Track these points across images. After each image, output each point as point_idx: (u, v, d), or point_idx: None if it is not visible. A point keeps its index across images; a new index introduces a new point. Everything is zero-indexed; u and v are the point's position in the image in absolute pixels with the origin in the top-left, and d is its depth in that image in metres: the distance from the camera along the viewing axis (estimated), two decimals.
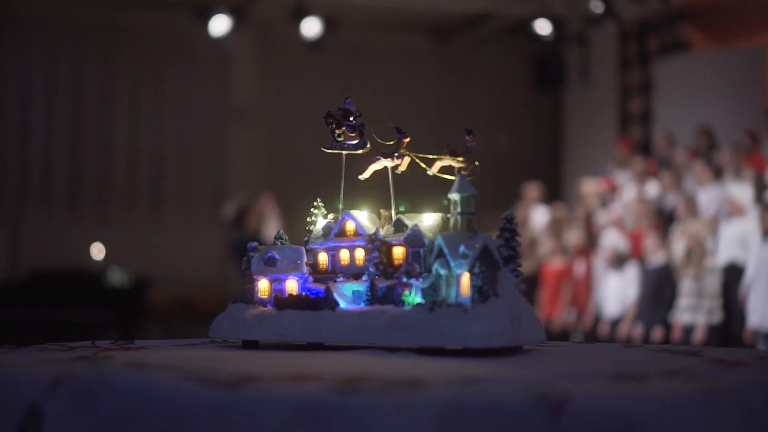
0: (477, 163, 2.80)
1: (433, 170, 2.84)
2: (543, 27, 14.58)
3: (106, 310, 12.94)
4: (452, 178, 2.79)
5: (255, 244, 2.87)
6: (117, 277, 13.42)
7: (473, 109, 16.68)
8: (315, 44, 14.34)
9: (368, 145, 2.88)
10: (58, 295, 12.84)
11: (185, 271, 14.97)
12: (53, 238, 14.97)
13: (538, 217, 12.97)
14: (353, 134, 2.88)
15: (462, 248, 2.58)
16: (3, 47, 15.49)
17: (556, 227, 12.28)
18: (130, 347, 2.69)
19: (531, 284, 12.37)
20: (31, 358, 2.25)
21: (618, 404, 1.67)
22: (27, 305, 12.72)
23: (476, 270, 2.54)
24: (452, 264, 2.58)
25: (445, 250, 2.60)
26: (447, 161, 2.81)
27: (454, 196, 2.68)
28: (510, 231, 2.69)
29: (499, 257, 2.62)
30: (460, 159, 2.80)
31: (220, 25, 13.87)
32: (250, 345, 2.75)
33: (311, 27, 14.12)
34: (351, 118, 2.88)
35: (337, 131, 2.88)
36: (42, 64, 15.69)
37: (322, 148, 2.92)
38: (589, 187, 12.38)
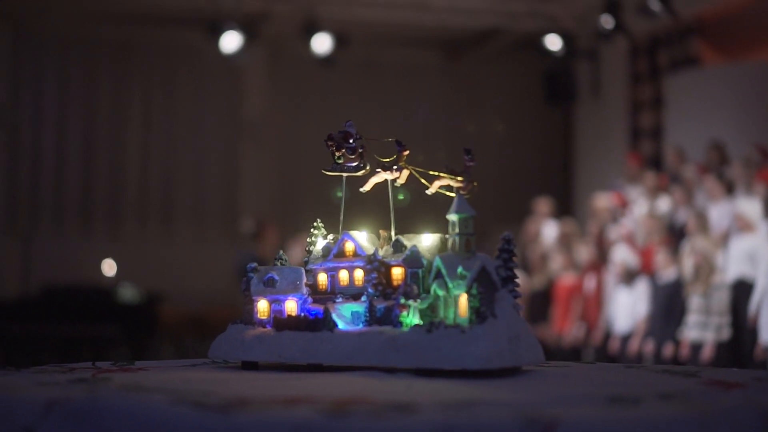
0: (475, 183, 2.81)
1: (431, 189, 2.85)
2: (553, 42, 14.57)
3: (117, 326, 12.96)
4: (452, 195, 2.81)
5: (255, 264, 2.88)
6: (128, 293, 13.45)
7: (484, 124, 16.68)
8: (326, 60, 14.37)
9: (368, 167, 2.90)
10: (70, 311, 12.87)
11: (197, 287, 14.99)
12: (65, 254, 15.02)
13: (549, 232, 12.94)
14: (353, 156, 2.89)
15: (460, 269, 2.58)
16: (16, 63, 15.58)
17: (566, 242, 12.25)
18: (129, 368, 2.70)
19: (542, 299, 12.35)
20: (29, 381, 2.26)
21: (609, 428, 1.66)
22: (39, 321, 12.75)
23: (474, 291, 2.55)
24: (450, 285, 2.59)
25: (444, 270, 2.61)
26: (445, 180, 2.82)
27: (452, 216, 2.69)
28: (508, 252, 2.70)
29: (497, 278, 2.63)
30: (459, 178, 2.81)
31: (231, 41, 13.90)
32: (250, 366, 2.76)
33: (322, 43, 14.15)
34: (351, 141, 2.89)
35: (337, 153, 2.90)
36: (54, 79, 15.77)
37: (323, 171, 2.94)
38: (601, 202, 12.35)
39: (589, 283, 11.56)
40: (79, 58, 15.77)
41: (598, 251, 11.60)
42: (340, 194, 2.87)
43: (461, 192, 2.78)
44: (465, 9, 15.09)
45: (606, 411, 1.79)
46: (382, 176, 2.89)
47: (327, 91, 16.05)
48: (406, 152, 2.88)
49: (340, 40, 14.17)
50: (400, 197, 2.86)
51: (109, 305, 13.24)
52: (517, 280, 2.69)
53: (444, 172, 2.82)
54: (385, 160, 2.88)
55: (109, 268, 13.84)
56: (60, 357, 12.50)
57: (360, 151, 2.90)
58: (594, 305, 11.47)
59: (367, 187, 2.91)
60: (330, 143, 2.92)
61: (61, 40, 15.64)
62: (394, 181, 2.88)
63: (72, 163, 15.77)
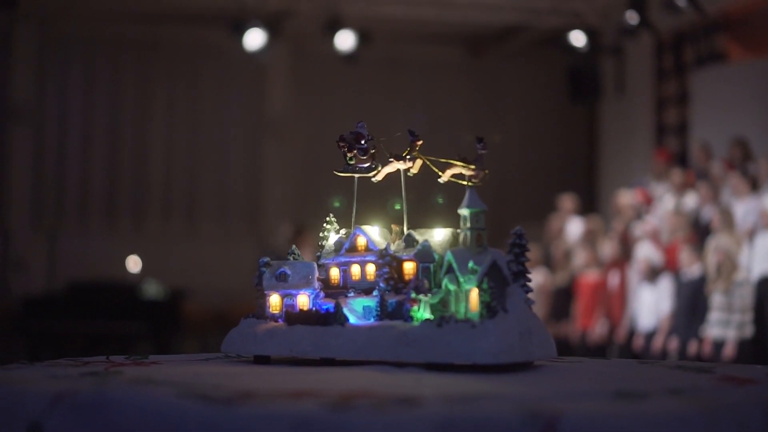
0: (487, 171, 2.80)
1: (444, 177, 2.85)
2: (578, 39, 14.50)
3: (141, 322, 13.02)
4: (464, 183, 2.80)
5: (267, 259, 2.89)
6: (153, 289, 13.51)
7: (508, 121, 16.64)
8: (349, 57, 14.37)
9: (380, 168, 2.90)
10: (95, 307, 12.94)
11: (220, 283, 15.03)
12: (90, 251, 15.11)
13: (573, 228, 12.90)
14: (365, 157, 2.89)
15: (471, 263, 2.58)
16: (41, 61, 15.68)
17: (590, 239, 12.20)
18: (143, 362, 2.72)
19: (565, 296, 12.31)
20: (40, 375, 2.28)
21: (612, 423, 1.66)
22: (64, 317, 12.83)
23: (485, 285, 2.54)
24: (461, 279, 2.59)
25: (455, 265, 2.61)
26: (458, 169, 2.82)
27: (463, 211, 2.69)
28: (520, 246, 2.69)
29: (509, 273, 2.62)
30: (471, 167, 2.80)
31: (254, 38, 13.93)
32: (262, 360, 2.77)
33: (345, 40, 14.15)
34: (362, 142, 2.89)
35: (349, 155, 2.90)
36: (79, 77, 15.86)
37: (335, 172, 2.94)
38: (625, 199, 12.29)
39: (613, 279, 11.52)
40: (103, 56, 15.86)
41: (622, 248, 11.55)
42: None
43: (473, 180, 2.78)
44: (488, 5, 15.05)
45: (611, 406, 1.78)
46: (394, 166, 2.89)
47: (350, 89, 16.06)
48: (420, 142, 2.87)
49: (363, 37, 14.17)
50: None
51: (134, 301, 13.30)
52: (528, 275, 2.68)
53: (456, 161, 2.81)
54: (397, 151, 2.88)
55: (133, 264, 13.91)
56: (84, 353, 12.56)
57: (372, 151, 2.90)
58: (618, 302, 11.43)
59: (379, 177, 2.92)
60: (342, 144, 2.92)
61: (85, 38, 15.73)
62: (406, 171, 2.88)
63: (97, 160, 15.86)
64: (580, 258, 12.11)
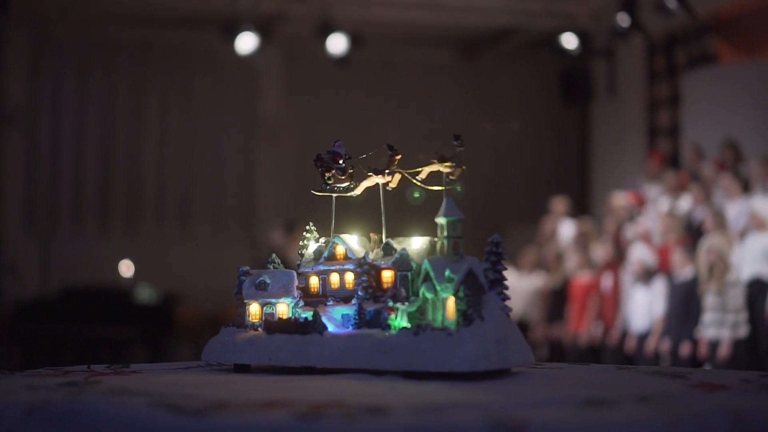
0: (464, 168, 2.81)
1: (422, 175, 2.86)
2: (569, 41, 14.53)
3: (135, 326, 13.03)
4: (440, 188, 2.82)
5: (247, 268, 2.91)
6: (146, 293, 13.52)
7: (500, 123, 16.67)
8: (341, 60, 14.40)
9: (359, 188, 2.92)
10: (88, 312, 12.95)
11: (214, 287, 15.00)
12: (83, 255, 15.11)
13: (566, 230, 12.93)
14: (343, 177, 2.92)
15: (448, 272, 2.60)
16: (35, 64, 15.69)
17: (583, 241, 12.23)
18: (123, 371, 2.73)
19: (558, 298, 12.34)
20: (18, 384, 2.30)
21: (577, 431, 1.68)
22: (57, 322, 12.83)
23: (461, 294, 2.56)
24: (438, 288, 2.61)
25: (432, 273, 2.63)
26: (435, 167, 2.83)
27: (440, 220, 2.71)
28: (496, 254, 2.71)
29: (485, 281, 2.64)
30: (449, 164, 2.82)
31: (246, 42, 13.96)
32: (241, 369, 2.79)
33: (337, 43, 14.18)
34: (340, 161, 2.91)
35: (327, 174, 2.92)
36: (73, 80, 15.87)
37: (312, 191, 2.97)
38: (618, 200, 12.33)
39: (606, 281, 11.55)
40: (97, 59, 15.88)
41: (615, 250, 11.58)
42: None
43: (451, 177, 2.80)
44: (480, 8, 15.09)
45: (577, 413, 1.80)
46: (373, 180, 2.91)
47: (342, 92, 16.09)
48: (398, 156, 2.89)
49: (355, 41, 14.20)
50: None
51: (127, 306, 13.31)
52: (506, 283, 2.70)
53: (434, 159, 2.83)
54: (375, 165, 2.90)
55: (126, 268, 13.91)
56: (78, 358, 12.59)
57: (350, 171, 2.92)
58: (611, 304, 11.45)
59: (358, 191, 2.94)
60: (319, 164, 2.94)
61: (78, 42, 15.74)
62: (385, 185, 2.90)
63: (90, 163, 15.87)
64: (572, 260, 12.14)
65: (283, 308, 2.84)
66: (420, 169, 2.86)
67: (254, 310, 2.86)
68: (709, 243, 9.81)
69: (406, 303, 2.65)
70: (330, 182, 2.94)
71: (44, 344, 13.04)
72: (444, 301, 2.60)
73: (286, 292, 2.86)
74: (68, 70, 15.82)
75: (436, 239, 2.74)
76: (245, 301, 2.86)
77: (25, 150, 15.66)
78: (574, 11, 15.22)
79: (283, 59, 16.18)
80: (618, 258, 11.52)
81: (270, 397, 2.03)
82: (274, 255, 3.00)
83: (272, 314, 2.84)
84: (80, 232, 15.73)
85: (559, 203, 13.33)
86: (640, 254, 10.99)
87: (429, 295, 2.63)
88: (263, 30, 14.02)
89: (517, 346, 2.65)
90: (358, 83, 16.11)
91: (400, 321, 2.64)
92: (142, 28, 15.71)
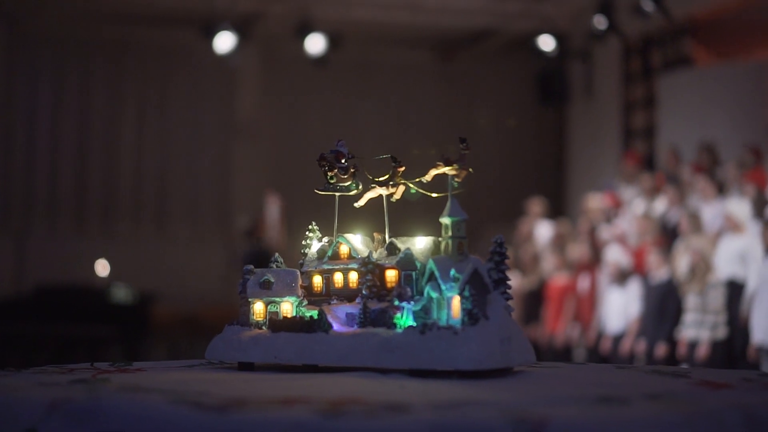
0: (471, 170, 2.85)
1: (427, 177, 2.89)
2: (547, 43, 14.61)
3: (110, 326, 12.97)
4: (436, 195, 2.85)
5: (251, 267, 2.92)
6: (122, 292, 13.46)
7: (478, 124, 16.72)
8: (319, 60, 14.40)
9: (360, 186, 2.94)
10: (63, 311, 12.87)
11: (190, 287, 15.01)
12: (58, 254, 15.03)
13: (542, 232, 12.98)
14: (345, 176, 2.93)
15: (453, 271, 2.63)
16: (10, 62, 15.59)
17: (560, 242, 12.29)
18: (127, 369, 2.74)
19: (535, 300, 12.39)
20: (30, 382, 2.30)
21: (597, 428, 1.70)
22: (32, 321, 12.75)
23: (466, 293, 2.59)
24: (443, 287, 2.63)
25: (437, 273, 2.65)
26: (441, 169, 2.86)
27: (445, 220, 2.73)
28: (500, 254, 2.74)
29: (489, 280, 2.67)
30: (454, 167, 2.85)
31: (224, 41, 13.93)
32: (246, 367, 2.80)
33: (315, 43, 14.18)
34: (343, 160, 2.93)
35: (330, 173, 2.94)
36: (48, 79, 15.78)
37: (315, 190, 2.98)
38: (593, 202, 12.40)
39: (583, 283, 11.61)
40: (73, 57, 15.79)
41: (592, 251, 11.64)
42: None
43: (456, 180, 2.82)
44: (458, 9, 15.14)
45: (595, 411, 1.83)
46: (377, 192, 2.93)
47: (320, 92, 16.09)
48: (402, 168, 2.92)
49: (333, 41, 14.21)
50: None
51: (103, 305, 13.25)
52: (509, 282, 2.73)
53: (439, 161, 2.85)
54: (380, 178, 2.92)
55: (102, 268, 13.84)
56: (53, 357, 12.52)
57: (352, 170, 2.94)
58: (588, 305, 11.52)
59: (361, 203, 2.96)
60: (322, 163, 2.96)
61: (55, 39, 15.66)
62: (389, 196, 2.92)
63: (66, 162, 15.79)
64: (549, 262, 12.20)
65: (287, 307, 2.86)
66: (422, 179, 2.88)
67: (258, 308, 2.87)
68: (690, 244, 9.89)
69: (412, 302, 2.67)
70: (333, 181, 2.95)
71: (19, 344, 12.95)
72: (449, 300, 2.62)
73: (290, 291, 2.87)
74: (44, 68, 15.73)
75: (439, 239, 2.77)
76: (249, 299, 2.87)
77: (0, 147, 15.55)
78: (551, 13, 15.30)
79: (261, 59, 16.15)
80: (595, 259, 11.59)
81: (286, 395, 2.05)
82: (277, 254, 3.02)
83: (276, 313, 2.85)
84: (55, 230, 15.64)
85: (536, 205, 13.37)
86: (615, 256, 11.07)
87: (434, 294, 2.66)
88: (241, 29, 14.00)
89: (520, 345, 2.68)
90: (336, 83, 16.11)
91: (406, 320, 2.66)
92: (119, 26, 15.64)
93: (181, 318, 14.72)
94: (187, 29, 14.71)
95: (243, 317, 2.87)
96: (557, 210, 14.77)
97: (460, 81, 17.05)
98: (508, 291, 2.72)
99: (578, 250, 11.82)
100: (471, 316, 2.56)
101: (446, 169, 2.84)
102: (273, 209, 12.91)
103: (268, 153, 16.31)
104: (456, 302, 2.60)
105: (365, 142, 14.36)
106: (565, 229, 12.61)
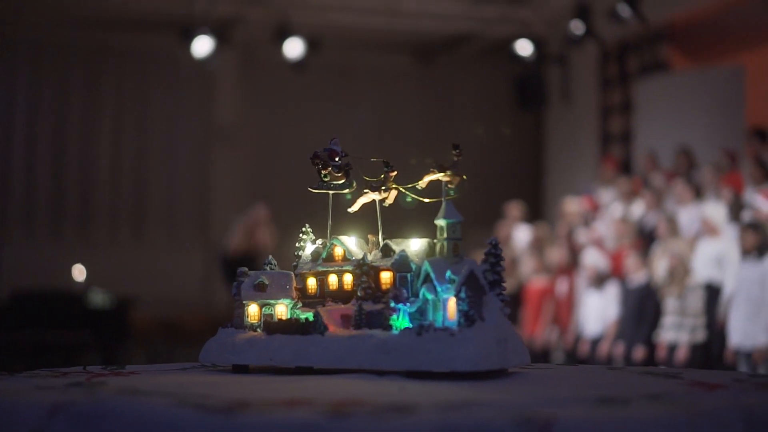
0: (464, 177, 2.86)
1: (421, 184, 2.90)
2: (524, 48, 14.68)
3: (88, 331, 12.88)
4: (428, 201, 2.85)
5: (244, 269, 2.92)
6: (99, 298, 13.38)
7: (456, 128, 16.75)
8: (298, 65, 14.39)
9: (354, 185, 2.94)
10: (40, 316, 12.77)
11: (168, 292, 14.94)
12: (35, 259, 14.92)
13: (520, 236, 13.03)
14: (339, 174, 2.94)
15: (448, 273, 2.64)
16: None
17: (538, 246, 12.34)
18: (121, 372, 2.73)
19: (513, 303, 12.43)
20: (27, 385, 2.29)
21: (603, 428, 1.72)
22: (8, 327, 12.64)
23: (462, 295, 2.60)
24: (439, 289, 2.64)
25: (432, 275, 2.66)
26: (434, 176, 2.87)
27: (440, 222, 2.74)
28: (495, 256, 2.75)
29: (485, 282, 2.68)
30: (448, 173, 2.86)
31: (203, 45, 13.90)
32: (240, 369, 2.80)
33: (294, 47, 14.18)
34: (336, 159, 2.93)
35: (324, 171, 2.94)
36: (25, 84, 15.69)
37: (309, 189, 2.98)
38: (572, 206, 12.46)
39: (561, 286, 11.66)
40: (50, 61, 15.71)
41: (570, 255, 11.70)
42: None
43: (450, 186, 2.83)
44: (437, 14, 15.17)
45: (598, 411, 1.84)
46: (369, 197, 2.94)
47: (299, 96, 16.07)
48: (394, 173, 2.92)
49: (312, 45, 14.21)
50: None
51: (80, 310, 13.16)
52: (504, 284, 2.74)
53: (432, 168, 2.86)
54: (372, 180, 2.92)
55: (79, 273, 13.75)
56: (30, 363, 12.43)
57: (346, 168, 2.94)
58: (566, 308, 11.57)
59: (355, 208, 2.96)
60: (316, 161, 2.95)
61: (32, 43, 15.56)
62: (382, 201, 2.93)
63: (42, 166, 15.69)
64: (527, 265, 12.24)
65: (281, 309, 2.86)
66: (415, 184, 2.89)
67: (253, 311, 2.86)
68: (668, 247, 9.96)
69: (408, 303, 2.68)
70: (326, 179, 2.95)
71: None
72: (445, 302, 2.63)
73: (284, 293, 2.87)
74: (21, 72, 15.63)
75: (434, 241, 2.77)
76: (244, 301, 2.87)
77: None
78: (529, 18, 15.37)
79: (239, 63, 16.12)
80: (573, 263, 11.64)
81: (287, 397, 2.05)
82: (270, 257, 3.01)
83: (271, 315, 2.85)
84: (32, 235, 15.54)
85: (514, 208, 13.42)
86: (593, 259, 11.12)
87: (429, 296, 2.66)
88: (220, 33, 13.98)
89: (515, 346, 2.69)
90: (315, 88, 16.10)
91: (402, 321, 2.66)
92: (97, 30, 15.56)
93: (159, 323, 14.66)
94: (166, 33, 14.66)
95: (237, 320, 2.87)
96: (535, 213, 14.82)
97: (438, 85, 17.09)
98: (503, 292, 2.73)
99: (556, 254, 11.87)
100: (467, 317, 2.57)
101: (440, 176, 2.85)
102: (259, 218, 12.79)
103: (246, 157, 16.28)
104: (452, 304, 2.61)
105: (344, 146, 14.33)
106: (543, 232, 12.67)
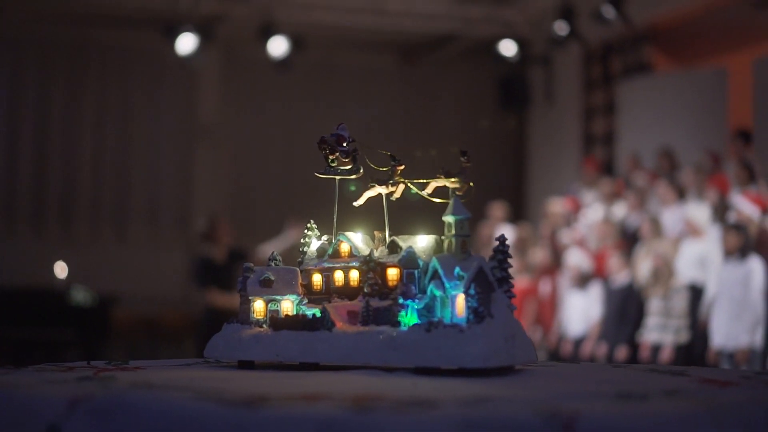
0: (471, 184, 2.86)
1: (427, 191, 2.90)
2: (508, 48, 14.72)
3: (69, 328, 12.83)
4: (444, 201, 2.85)
5: (250, 264, 2.91)
6: (81, 295, 13.32)
7: (439, 128, 16.77)
8: (282, 63, 14.37)
9: (362, 171, 2.93)
10: (21, 314, 12.72)
11: (150, 290, 14.89)
12: (16, 256, 14.85)
13: None
14: (346, 160, 2.92)
15: (457, 270, 2.63)
16: None
17: (521, 246, 12.36)
18: (126, 367, 2.71)
19: None
20: (37, 379, 2.27)
21: (627, 422, 1.72)
22: None
23: (471, 291, 2.59)
24: (447, 285, 2.63)
25: (441, 271, 2.65)
26: (441, 182, 2.87)
27: (448, 218, 2.74)
28: (503, 253, 2.75)
29: (493, 278, 2.68)
30: (455, 180, 2.86)
31: (186, 43, 13.85)
32: (246, 365, 2.78)
33: (278, 46, 14.16)
34: (344, 144, 2.92)
35: (331, 157, 2.93)
36: (6, 80, 15.59)
37: (316, 174, 2.96)
38: (555, 206, 12.49)
39: (544, 286, 11.69)
40: (32, 57, 15.62)
41: (553, 255, 11.73)
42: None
43: (457, 193, 2.84)
44: (421, 14, 15.19)
45: (619, 406, 1.84)
46: (376, 190, 2.93)
47: (283, 94, 16.05)
48: (401, 167, 2.91)
49: (296, 44, 14.19)
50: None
51: (61, 308, 13.10)
52: (511, 281, 2.74)
53: (440, 174, 2.86)
54: (380, 170, 2.91)
55: (60, 270, 13.69)
56: (11, 360, 12.36)
57: (353, 154, 2.93)
58: (549, 309, 11.60)
59: (361, 201, 2.95)
60: (323, 146, 2.94)
61: (12, 39, 15.46)
62: (389, 195, 2.92)
63: (24, 163, 15.60)
64: None
65: (287, 305, 2.85)
66: (423, 193, 2.89)
67: (259, 306, 2.85)
68: (652, 248, 10.00)
69: (416, 300, 2.67)
70: (333, 165, 2.94)
71: None
72: (453, 299, 2.63)
73: (290, 289, 2.86)
74: (2, 68, 15.53)
75: (442, 237, 2.77)
76: (250, 297, 2.86)
77: None
78: (512, 19, 15.40)
79: (223, 61, 16.08)
80: (556, 263, 11.68)
81: (304, 391, 2.04)
82: (275, 252, 3.00)
83: (277, 311, 2.84)
84: (13, 232, 15.45)
85: (497, 209, 13.43)
86: (576, 260, 11.16)
87: (437, 293, 2.66)
88: (203, 31, 13.93)
89: (523, 343, 2.69)
90: (299, 86, 16.08)
91: (410, 318, 2.66)
92: (79, 26, 15.49)
93: (141, 320, 14.62)
94: (149, 30, 14.60)
95: (243, 315, 2.85)
96: (518, 214, 14.86)
97: (422, 85, 17.10)
98: (510, 289, 2.73)
99: (539, 254, 11.90)
100: (476, 314, 2.57)
101: (447, 182, 2.85)
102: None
103: (229, 155, 16.24)
104: (460, 300, 2.61)
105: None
106: (526, 233, 12.69)
